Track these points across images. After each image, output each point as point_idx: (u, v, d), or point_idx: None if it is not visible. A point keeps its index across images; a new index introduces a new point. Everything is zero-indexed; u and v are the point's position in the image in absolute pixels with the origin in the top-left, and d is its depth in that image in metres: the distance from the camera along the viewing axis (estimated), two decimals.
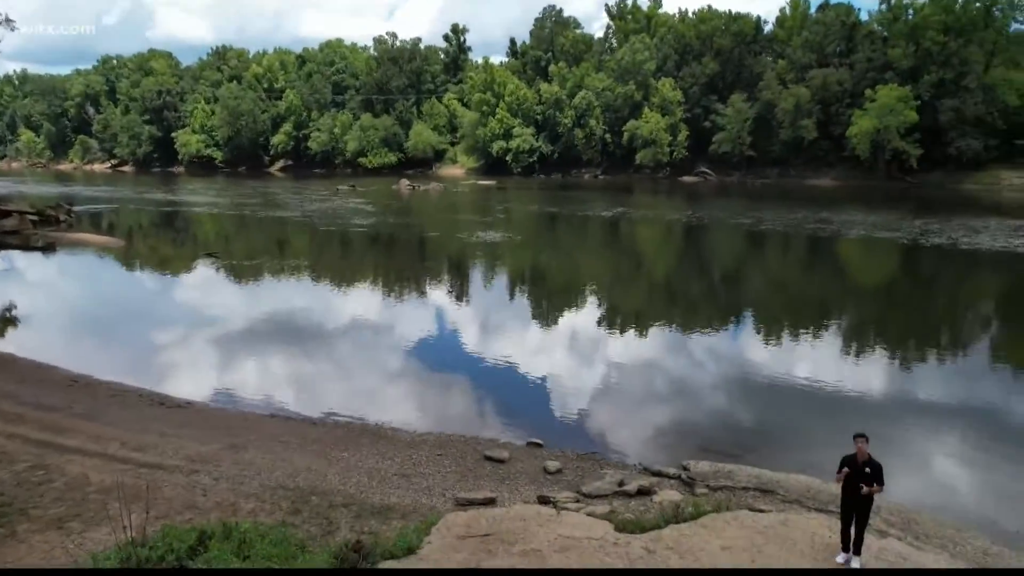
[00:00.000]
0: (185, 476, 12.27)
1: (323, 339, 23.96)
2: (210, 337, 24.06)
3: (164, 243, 47.66)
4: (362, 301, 29.69)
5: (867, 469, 9.16)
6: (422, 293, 31.92)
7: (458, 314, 27.94)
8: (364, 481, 12.66)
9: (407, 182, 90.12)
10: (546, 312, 29.06)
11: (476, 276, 35.86)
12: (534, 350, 22.85)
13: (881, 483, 9.14)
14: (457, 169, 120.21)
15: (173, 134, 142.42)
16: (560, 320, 27.33)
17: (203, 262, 38.40)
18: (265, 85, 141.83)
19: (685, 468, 13.47)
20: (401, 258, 41.56)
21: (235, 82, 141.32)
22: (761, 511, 11.07)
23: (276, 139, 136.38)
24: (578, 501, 11.59)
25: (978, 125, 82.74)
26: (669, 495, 12.20)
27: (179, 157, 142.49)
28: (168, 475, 12.32)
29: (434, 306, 29.14)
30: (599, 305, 29.96)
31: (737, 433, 16.28)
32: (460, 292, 32.11)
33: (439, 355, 22.07)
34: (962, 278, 35.40)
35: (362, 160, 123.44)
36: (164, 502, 11.04)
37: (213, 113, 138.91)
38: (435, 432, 15.93)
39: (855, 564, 9.23)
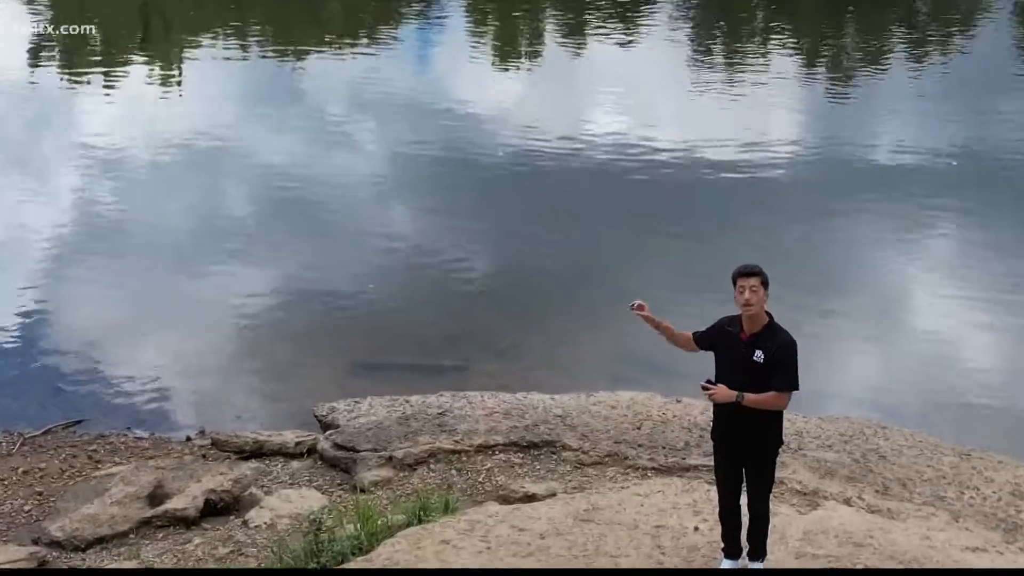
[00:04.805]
0: None
1: None
2: None
3: None
4: None
5: (756, 354, 6.53)
6: None
7: None
8: None
9: None
10: None
11: None
12: None
13: (787, 385, 6.54)
14: None
15: None
16: None
17: None
18: None
19: (330, 426, 10.24)
20: None
21: None
22: (532, 497, 8.89)
23: None
24: None
25: None
26: (272, 509, 9.23)
27: None
28: None
29: None
30: None
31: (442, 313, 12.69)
32: None
33: None
34: None
35: None
36: None
37: None
38: None
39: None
